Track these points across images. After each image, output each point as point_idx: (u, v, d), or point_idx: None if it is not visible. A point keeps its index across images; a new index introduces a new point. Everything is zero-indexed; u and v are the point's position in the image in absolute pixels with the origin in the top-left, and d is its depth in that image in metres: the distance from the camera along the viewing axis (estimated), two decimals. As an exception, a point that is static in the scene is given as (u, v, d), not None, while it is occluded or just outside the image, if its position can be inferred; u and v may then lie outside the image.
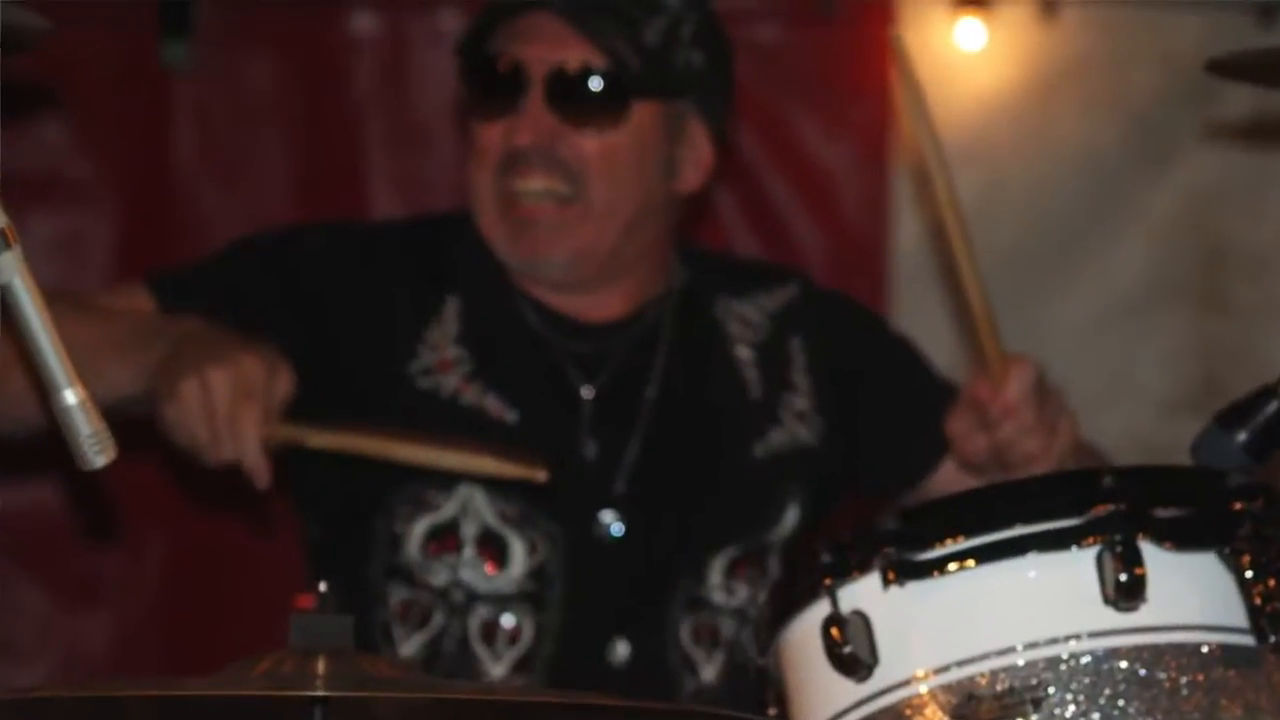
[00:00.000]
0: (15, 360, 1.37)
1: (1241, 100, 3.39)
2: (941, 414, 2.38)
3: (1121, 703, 0.95)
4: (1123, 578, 0.93)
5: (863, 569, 1.01)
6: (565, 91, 2.35)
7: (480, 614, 2.35)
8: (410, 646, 2.35)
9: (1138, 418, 3.66)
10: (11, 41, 0.85)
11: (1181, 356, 3.70)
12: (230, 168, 3.68)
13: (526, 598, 2.36)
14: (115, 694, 0.88)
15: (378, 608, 2.34)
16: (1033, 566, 0.99)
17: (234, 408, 1.94)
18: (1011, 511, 1.01)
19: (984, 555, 0.98)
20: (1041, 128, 3.69)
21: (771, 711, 1.22)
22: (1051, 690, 0.95)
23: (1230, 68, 1.49)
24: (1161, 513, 0.99)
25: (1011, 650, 0.97)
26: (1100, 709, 0.95)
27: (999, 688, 0.96)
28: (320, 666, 0.84)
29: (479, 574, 2.35)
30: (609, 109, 2.38)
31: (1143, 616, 0.96)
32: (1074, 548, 0.97)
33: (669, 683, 2.38)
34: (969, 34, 3.51)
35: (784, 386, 2.52)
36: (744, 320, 2.55)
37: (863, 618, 1.00)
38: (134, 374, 2.07)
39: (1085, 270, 3.72)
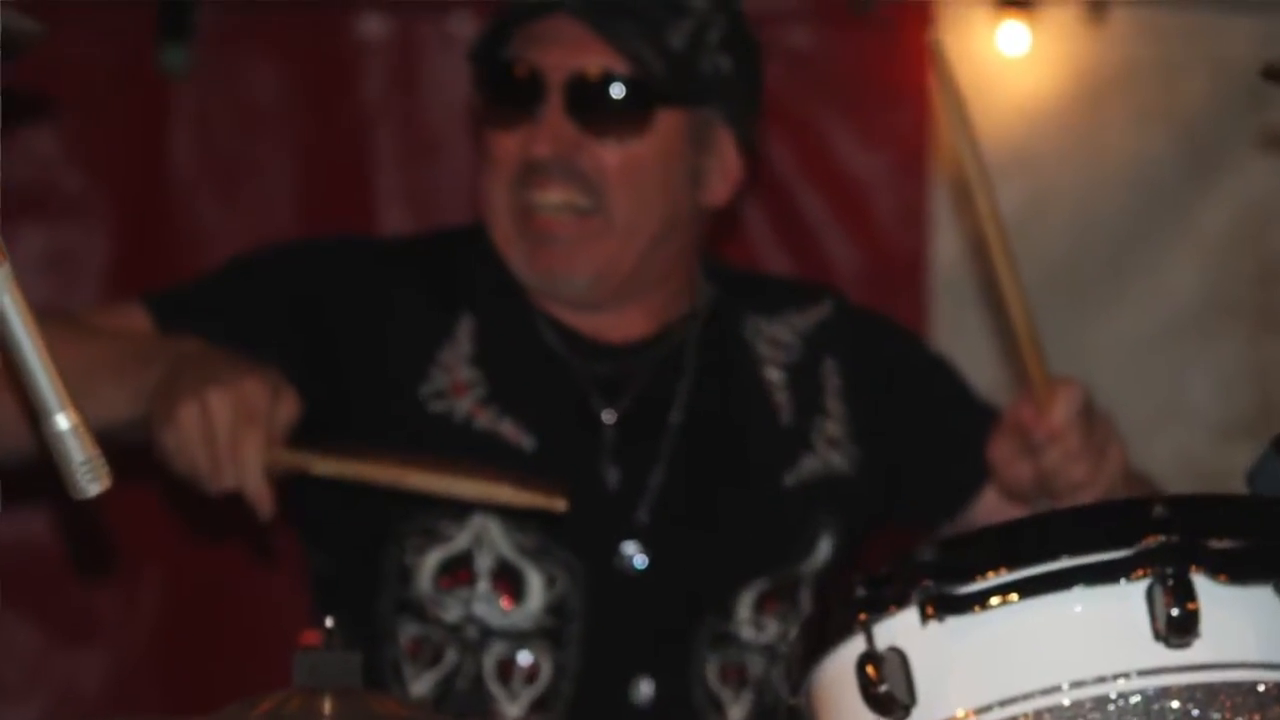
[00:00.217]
0: (4, 383, 1.38)
1: (1298, 107, 3.38)
2: (983, 439, 2.38)
3: (1173, 744, 0.94)
4: (1174, 612, 0.92)
5: (900, 603, 1.00)
6: (585, 99, 2.36)
7: (495, 651, 2.35)
8: (421, 685, 2.35)
9: (1190, 442, 3.64)
10: (4, 46, 0.85)
11: (1236, 378, 3.68)
12: (231, 179, 3.68)
13: (544, 634, 2.36)
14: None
15: (387, 644, 2.35)
16: (1079, 601, 0.98)
17: (235, 433, 1.95)
18: (1057, 543, 1.00)
19: (1028, 589, 0.98)
20: (1088, 136, 3.68)
21: (802, 754, 1.22)
22: (1099, 731, 0.95)
23: (1286, 73, 1.48)
24: (1215, 544, 0.98)
25: (1057, 689, 0.96)
26: (1151, 750, 0.94)
27: (1044, 729, 0.96)
28: (326, 706, 0.85)
29: (494, 609, 2.35)
30: (631, 117, 2.39)
31: (1195, 654, 0.95)
32: (1123, 581, 0.97)
33: (694, 723, 2.38)
34: (1012, 38, 3.51)
35: (816, 411, 2.52)
36: (774, 341, 2.55)
37: (900, 655, 0.99)
38: (130, 397, 2.08)
39: (1134, 287, 3.71)
